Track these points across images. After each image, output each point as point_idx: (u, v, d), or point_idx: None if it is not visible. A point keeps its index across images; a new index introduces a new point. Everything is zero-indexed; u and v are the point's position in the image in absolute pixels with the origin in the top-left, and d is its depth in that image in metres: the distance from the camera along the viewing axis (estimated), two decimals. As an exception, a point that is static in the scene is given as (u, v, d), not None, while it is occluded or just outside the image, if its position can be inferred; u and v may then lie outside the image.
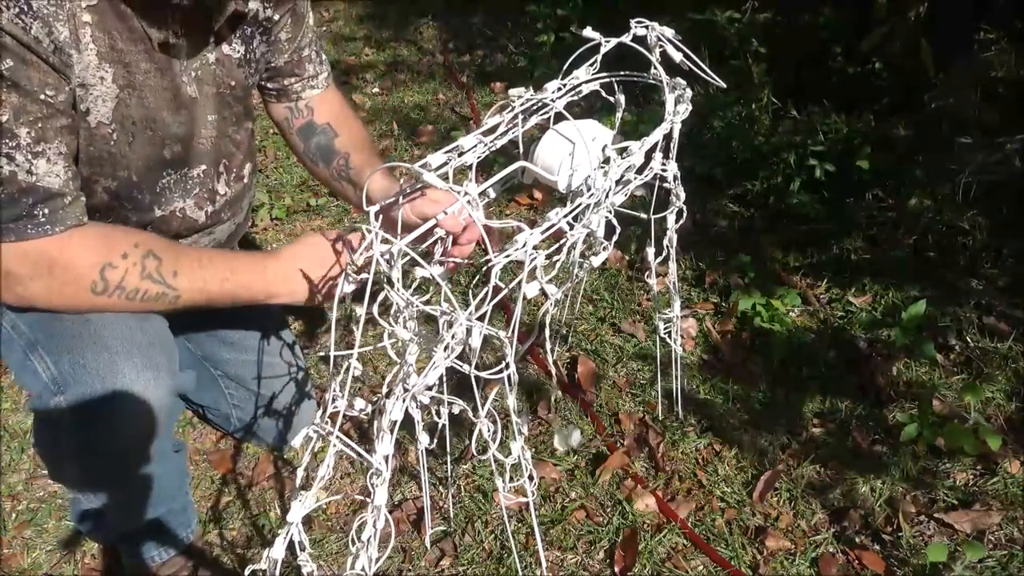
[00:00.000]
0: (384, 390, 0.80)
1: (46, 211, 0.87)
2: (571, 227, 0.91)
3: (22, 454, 1.54)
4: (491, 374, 0.83)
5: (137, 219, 1.06)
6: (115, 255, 0.91)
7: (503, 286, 0.82)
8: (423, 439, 0.96)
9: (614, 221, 0.97)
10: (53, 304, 0.93)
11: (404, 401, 0.78)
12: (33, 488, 1.48)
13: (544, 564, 1.24)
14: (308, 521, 0.92)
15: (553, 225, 0.86)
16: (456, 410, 0.90)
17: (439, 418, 0.96)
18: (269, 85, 1.23)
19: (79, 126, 0.92)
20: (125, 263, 0.92)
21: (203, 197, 1.13)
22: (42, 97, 0.84)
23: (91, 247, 0.91)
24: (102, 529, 1.24)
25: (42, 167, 0.86)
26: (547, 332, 1.10)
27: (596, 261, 0.98)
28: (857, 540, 1.29)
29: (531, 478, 1.00)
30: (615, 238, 0.98)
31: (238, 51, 1.09)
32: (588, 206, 0.92)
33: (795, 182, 2.06)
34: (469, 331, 0.77)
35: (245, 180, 1.21)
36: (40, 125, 0.84)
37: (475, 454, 1.39)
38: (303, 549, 0.76)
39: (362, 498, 1.39)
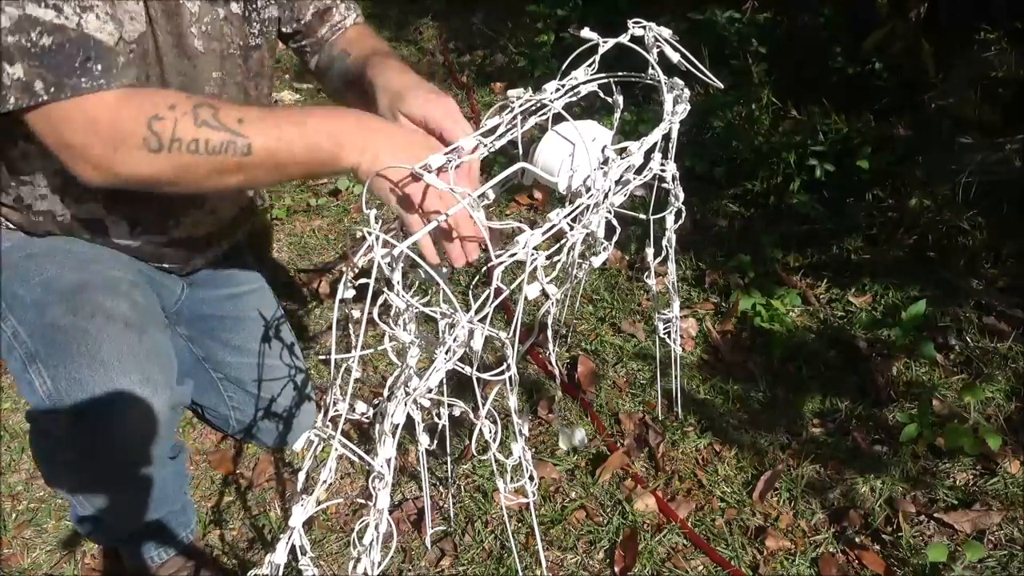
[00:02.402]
0: (385, 393, 0.80)
1: (99, 67, 0.81)
2: (571, 228, 0.90)
3: (22, 454, 1.54)
4: (492, 375, 0.83)
5: None
6: (161, 107, 0.84)
7: (504, 288, 0.82)
8: (423, 440, 0.96)
9: (614, 221, 0.97)
10: (120, 173, 0.85)
11: (405, 404, 0.78)
12: (33, 488, 1.48)
13: (544, 564, 1.24)
14: (308, 522, 0.92)
15: (554, 226, 0.86)
16: (457, 412, 0.90)
17: (439, 419, 0.96)
18: (304, 43, 1.19)
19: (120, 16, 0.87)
20: (173, 113, 0.84)
21: None
22: None
23: (134, 102, 0.85)
24: (101, 532, 1.24)
25: (92, 23, 0.80)
26: (549, 332, 1.10)
27: (596, 261, 0.98)
28: (857, 540, 1.29)
29: (531, 478, 1.00)
30: (615, 238, 0.98)
31: (235, 9, 1.05)
32: (588, 206, 0.92)
33: (795, 182, 2.06)
34: (471, 333, 0.77)
35: None
36: None
37: (475, 454, 1.39)
38: (304, 553, 0.76)
39: (363, 501, 1.39)
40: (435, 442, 0.97)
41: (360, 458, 0.77)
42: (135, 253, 1.16)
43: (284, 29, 1.19)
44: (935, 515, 1.31)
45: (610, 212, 0.96)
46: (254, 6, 1.08)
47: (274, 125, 0.85)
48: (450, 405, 0.91)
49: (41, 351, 1.00)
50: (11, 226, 1.11)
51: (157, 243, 1.15)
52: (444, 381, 0.89)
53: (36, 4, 0.78)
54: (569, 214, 0.88)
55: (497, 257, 0.80)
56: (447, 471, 1.40)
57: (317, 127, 0.85)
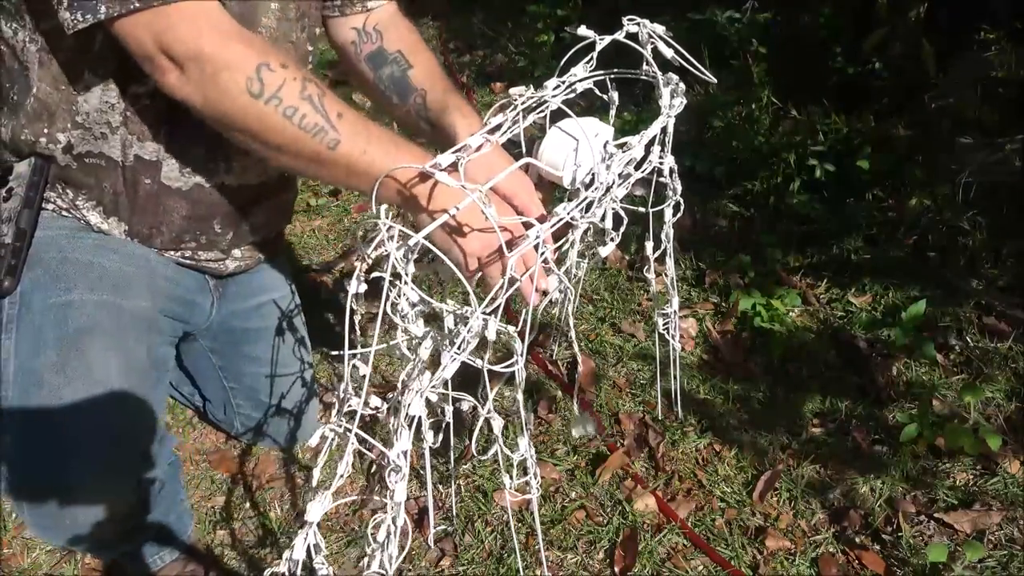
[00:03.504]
0: (399, 386, 0.80)
1: None
2: (578, 220, 0.91)
3: (22, 454, 1.54)
4: (503, 367, 0.83)
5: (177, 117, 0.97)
6: (273, 59, 0.83)
7: (518, 277, 0.82)
8: (429, 438, 0.96)
9: (621, 212, 0.98)
10: (209, 97, 0.84)
11: (422, 396, 0.78)
12: (33, 488, 1.47)
13: (544, 564, 1.24)
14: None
15: (561, 219, 0.86)
16: (465, 407, 0.90)
17: (444, 416, 0.96)
18: None
19: None
20: (284, 72, 0.83)
21: None
22: None
23: (246, 37, 0.84)
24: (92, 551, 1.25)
25: None
26: (572, 328, 1.10)
27: (604, 251, 0.99)
28: (857, 540, 1.29)
29: (535, 475, 1.00)
30: (623, 228, 0.99)
31: None
32: (593, 200, 0.93)
33: (795, 182, 2.06)
34: (485, 324, 0.77)
35: None
36: None
37: (475, 454, 1.39)
38: (319, 551, 0.76)
39: (366, 498, 1.39)
40: (439, 440, 0.97)
41: (372, 449, 0.77)
42: (184, 215, 1.09)
43: None
44: (935, 515, 1.31)
45: (616, 203, 0.97)
46: None
47: (366, 139, 0.85)
48: (456, 400, 0.91)
49: (14, 400, 0.95)
50: (56, 210, 1.05)
51: (206, 189, 1.08)
52: (449, 379, 0.89)
53: None
54: (576, 207, 0.89)
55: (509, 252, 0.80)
56: (448, 470, 1.40)
57: (398, 157, 0.85)
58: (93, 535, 1.02)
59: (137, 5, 0.80)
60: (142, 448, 1.03)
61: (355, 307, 0.81)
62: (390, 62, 1.14)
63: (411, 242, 0.74)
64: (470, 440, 1.38)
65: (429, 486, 1.27)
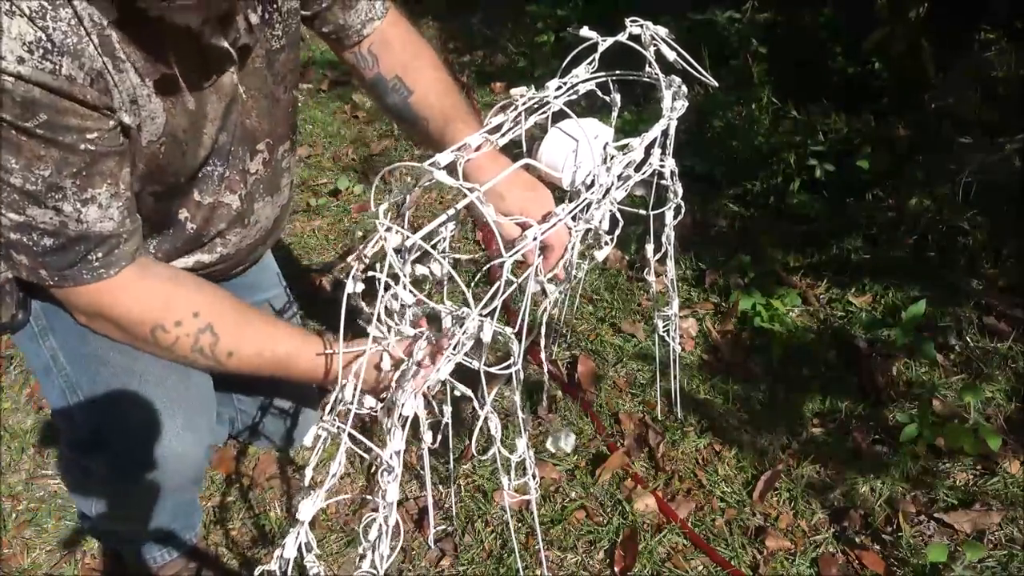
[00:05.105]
0: (393, 386, 0.80)
1: (100, 255, 0.84)
2: (575, 223, 0.91)
3: (22, 454, 1.54)
4: (499, 369, 0.83)
5: (176, 208, 1.00)
6: (169, 320, 0.89)
7: (514, 279, 0.82)
8: (427, 438, 0.96)
9: (617, 215, 0.98)
10: (119, 340, 0.93)
11: (415, 397, 0.78)
12: (33, 488, 1.47)
13: (544, 564, 1.24)
14: (310, 521, 0.92)
15: (559, 220, 0.86)
16: (462, 392, 0.90)
17: (442, 416, 0.95)
18: (324, 30, 1.09)
19: (134, 150, 0.86)
20: (178, 331, 0.89)
21: (235, 179, 1.02)
22: (83, 147, 0.78)
23: (146, 304, 0.89)
24: (105, 537, 1.25)
25: (92, 214, 0.82)
26: (542, 330, 1.10)
27: (600, 255, 0.99)
28: (857, 540, 1.29)
29: (533, 476, 1.00)
30: (618, 231, 0.99)
31: (254, 20, 0.89)
32: (592, 202, 0.92)
33: (795, 182, 2.06)
34: (480, 326, 0.77)
35: (279, 157, 1.09)
36: (85, 173, 0.79)
37: (475, 454, 1.39)
38: (310, 550, 0.76)
39: (365, 497, 1.39)
40: (438, 439, 0.97)
41: (370, 450, 0.77)
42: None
43: (304, 12, 1.06)
44: (935, 515, 1.31)
45: (613, 206, 0.97)
46: (275, 5, 0.96)
47: (255, 366, 0.93)
48: (455, 393, 0.91)
49: (85, 384, 1.00)
50: None
51: (207, 262, 1.10)
52: (448, 379, 0.89)
53: (37, 206, 0.79)
54: (574, 209, 0.89)
55: (507, 251, 0.80)
56: (448, 470, 1.40)
57: (302, 374, 0.95)
58: (160, 509, 1.11)
59: (50, 283, 0.85)
60: (212, 409, 1.09)
61: (357, 304, 0.81)
62: (391, 90, 1.12)
63: (408, 242, 0.74)
64: (470, 440, 1.38)
65: (428, 486, 1.27)
